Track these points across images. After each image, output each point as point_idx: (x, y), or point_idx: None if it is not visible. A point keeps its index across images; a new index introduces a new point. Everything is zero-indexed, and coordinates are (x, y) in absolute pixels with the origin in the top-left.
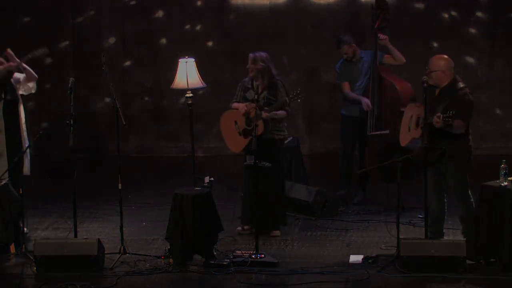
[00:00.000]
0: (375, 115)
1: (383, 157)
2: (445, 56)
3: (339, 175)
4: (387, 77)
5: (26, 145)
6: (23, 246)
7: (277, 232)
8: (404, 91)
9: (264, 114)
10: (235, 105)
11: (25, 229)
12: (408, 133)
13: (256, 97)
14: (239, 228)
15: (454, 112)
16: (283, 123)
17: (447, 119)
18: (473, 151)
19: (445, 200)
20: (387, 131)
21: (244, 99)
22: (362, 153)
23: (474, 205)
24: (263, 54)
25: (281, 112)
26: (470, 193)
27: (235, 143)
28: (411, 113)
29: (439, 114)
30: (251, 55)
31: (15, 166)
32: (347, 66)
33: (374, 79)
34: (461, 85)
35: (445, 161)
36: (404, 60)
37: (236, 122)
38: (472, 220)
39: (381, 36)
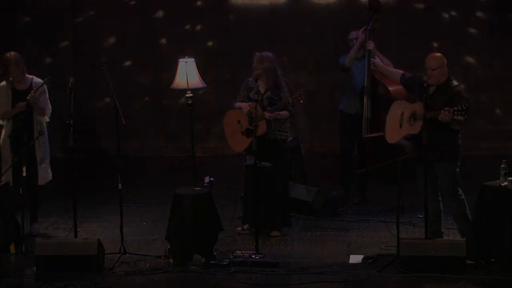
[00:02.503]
0: (368, 117)
1: (381, 158)
2: (440, 53)
3: (339, 175)
4: (380, 79)
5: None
6: (23, 246)
7: (277, 233)
8: (397, 93)
9: (267, 115)
10: (238, 104)
11: (37, 228)
12: (400, 130)
13: (258, 97)
14: (239, 228)
15: (464, 106)
16: (286, 123)
17: (459, 112)
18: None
19: (440, 198)
20: (382, 133)
21: (248, 99)
22: (361, 152)
23: (465, 203)
24: (269, 54)
25: (284, 113)
26: (461, 191)
27: (238, 143)
28: (401, 110)
29: (447, 108)
30: (257, 54)
31: (16, 166)
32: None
33: (367, 81)
34: (455, 82)
35: (437, 160)
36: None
37: (239, 122)
38: (467, 217)
39: (368, 44)
